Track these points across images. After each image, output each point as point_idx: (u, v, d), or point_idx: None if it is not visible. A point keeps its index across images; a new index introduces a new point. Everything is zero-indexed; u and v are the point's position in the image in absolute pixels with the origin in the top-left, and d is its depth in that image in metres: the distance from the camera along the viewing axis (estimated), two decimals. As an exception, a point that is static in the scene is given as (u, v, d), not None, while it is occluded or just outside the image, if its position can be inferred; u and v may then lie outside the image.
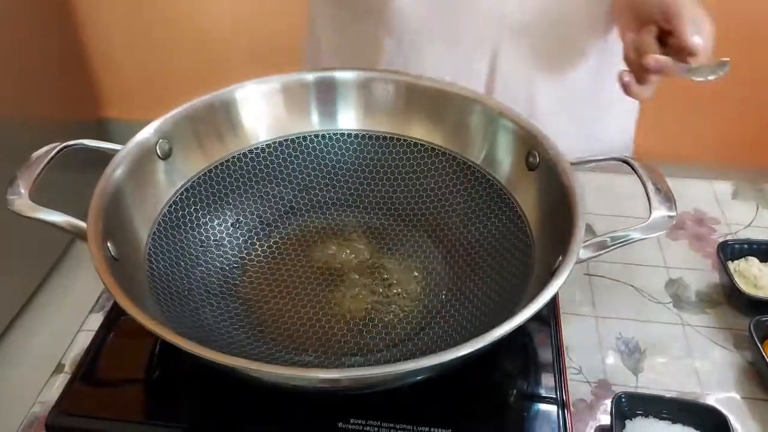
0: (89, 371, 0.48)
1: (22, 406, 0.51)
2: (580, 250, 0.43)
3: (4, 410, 1.21)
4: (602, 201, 0.67)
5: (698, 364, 0.53)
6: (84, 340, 0.53)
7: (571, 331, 0.54)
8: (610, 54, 0.69)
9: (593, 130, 0.77)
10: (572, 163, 0.50)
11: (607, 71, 0.65)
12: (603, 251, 0.45)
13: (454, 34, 0.69)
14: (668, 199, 0.47)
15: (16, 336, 1.40)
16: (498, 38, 0.69)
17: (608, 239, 0.45)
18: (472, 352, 0.38)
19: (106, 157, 0.51)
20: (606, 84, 0.66)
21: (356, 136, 0.59)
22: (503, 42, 0.69)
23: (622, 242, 0.45)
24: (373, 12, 0.71)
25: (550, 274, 0.44)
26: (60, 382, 0.50)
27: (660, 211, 0.46)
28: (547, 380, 0.48)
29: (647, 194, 0.47)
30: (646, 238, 0.45)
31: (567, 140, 0.53)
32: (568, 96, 0.74)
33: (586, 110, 0.76)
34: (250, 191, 0.57)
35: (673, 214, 0.46)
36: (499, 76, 0.71)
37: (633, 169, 0.49)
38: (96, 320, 0.54)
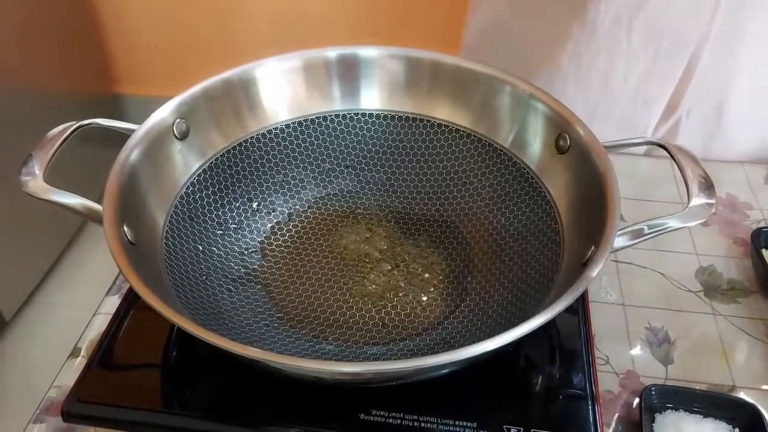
0: (105, 356, 0.47)
1: (37, 389, 0.51)
2: (615, 239, 0.42)
3: (20, 391, 1.23)
4: (626, 184, 0.64)
5: (730, 355, 0.51)
6: (100, 323, 0.52)
7: (597, 319, 0.52)
8: None
9: None
10: (606, 147, 0.48)
11: None
12: (639, 240, 0.43)
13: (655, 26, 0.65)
14: (707, 186, 0.45)
15: (32, 313, 1.40)
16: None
17: (645, 227, 0.43)
18: (501, 347, 0.36)
19: (119, 134, 0.49)
20: None
21: (378, 116, 0.57)
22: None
23: (659, 231, 0.43)
24: None
25: (582, 264, 0.42)
26: (76, 366, 0.50)
27: (699, 199, 0.44)
28: (576, 372, 0.47)
29: (686, 181, 0.45)
30: (684, 227, 0.43)
31: None
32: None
33: None
34: (270, 173, 0.56)
35: (712, 201, 0.44)
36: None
37: (670, 154, 0.47)
38: (112, 303, 0.53)
